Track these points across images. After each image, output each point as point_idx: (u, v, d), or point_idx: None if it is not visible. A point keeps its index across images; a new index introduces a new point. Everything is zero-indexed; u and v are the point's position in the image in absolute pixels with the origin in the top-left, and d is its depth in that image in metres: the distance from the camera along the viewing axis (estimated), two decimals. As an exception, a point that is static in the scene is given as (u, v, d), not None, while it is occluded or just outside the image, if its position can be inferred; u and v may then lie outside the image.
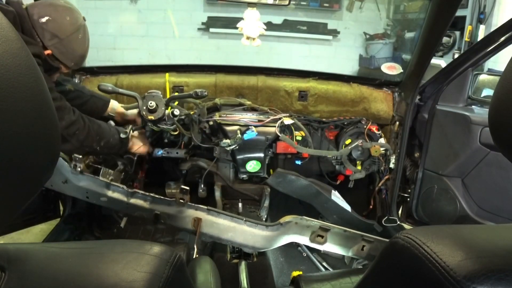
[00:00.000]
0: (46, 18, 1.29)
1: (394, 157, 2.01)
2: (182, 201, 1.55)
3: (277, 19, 4.59)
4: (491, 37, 1.61)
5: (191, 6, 4.58)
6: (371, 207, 2.16)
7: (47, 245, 0.57)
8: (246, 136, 1.81)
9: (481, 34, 3.77)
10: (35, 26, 1.27)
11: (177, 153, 1.86)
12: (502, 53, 1.71)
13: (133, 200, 1.57)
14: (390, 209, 2.05)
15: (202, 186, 1.95)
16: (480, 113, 1.77)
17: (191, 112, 1.79)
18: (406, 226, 2.08)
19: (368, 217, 2.11)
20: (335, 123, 2.03)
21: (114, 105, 1.79)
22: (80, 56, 1.44)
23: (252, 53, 4.14)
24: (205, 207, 1.57)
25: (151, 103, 1.57)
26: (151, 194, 1.58)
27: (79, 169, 1.53)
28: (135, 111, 1.78)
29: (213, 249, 1.78)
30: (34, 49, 1.25)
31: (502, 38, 1.57)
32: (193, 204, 1.57)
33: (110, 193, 1.58)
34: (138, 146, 1.73)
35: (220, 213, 1.55)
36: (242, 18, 1.53)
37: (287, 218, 1.55)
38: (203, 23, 4.60)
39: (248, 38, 1.56)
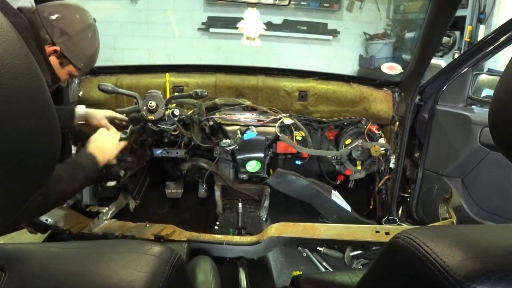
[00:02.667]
0: (56, 15, 1.29)
1: (394, 157, 2.01)
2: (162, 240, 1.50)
3: (277, 19, 4.58)
4: (491, 37, 1.61)
5: (191, 6, 4.57)
6: (371, 207, 2.16)
7: (47, 245, 0.57)
8: (246, 136, 1.81)
9: (481, 34, 3.77)
10: (44, 24, 1.27)
11: (177, 153, 1.86)
12: (502, 53, 1.71)
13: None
14: (390, 209, 2.05)
15: (203, 186, 1.95)
16: (480, 113, 1.77)
17: (190, 112, 1.79)
18: (406, 226, 2.08)
19: (368, 217, 2.11)
20: (335, 123, 2.03)
21: (80, 111, 1.58)
22: (89, 56, 1.41)
23: (252, 53, 4.14)
24: (185, 239, 1.51)
25: (151, 103, 1.57)
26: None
27: None
28: (102, 112, 1.61)
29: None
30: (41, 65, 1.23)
31: (502, 38, 1.57)
32: (173, 240, 1.51)
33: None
34: (107, 156, 1.41)
35: (200, 241, 1.52)
36: (242, 18, 1.53)
37: (270, 230, 1.49)
38: (203, 23, 4.60)
39: (248, 38, 1.56)
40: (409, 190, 2.04)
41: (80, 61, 1.38)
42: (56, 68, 1.35)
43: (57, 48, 1.31)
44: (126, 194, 1.90)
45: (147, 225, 1.62)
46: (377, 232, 1.41)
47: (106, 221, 1.67)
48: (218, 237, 1.54)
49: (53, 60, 1.33)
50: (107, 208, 1.71)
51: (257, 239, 1.50)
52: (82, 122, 1.59)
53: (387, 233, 1.39)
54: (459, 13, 3.64)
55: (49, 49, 1.30)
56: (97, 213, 1.69)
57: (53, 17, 1.28)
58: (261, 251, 1.52)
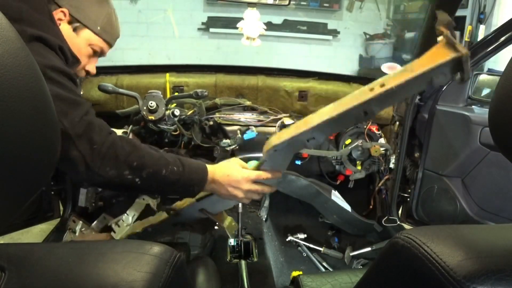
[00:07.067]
0: None
1: (394, 157, 2.01)
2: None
3: (277, 19, 4.60)
4: (491, 37, 1.61)
5: (191, 6, 4.59)
6: (371, 207, 2.16)
7: (47, 245, 0.58)
8: (246, 136, 1.81)
9: (481, 34, 3.77)
10: None
11: (177, 153, 1.86)
12: (502, 53, 1.71)
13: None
14: (390, 209, 2.05)
15: None
16: (480, 113, 1.76)
17: (191, 112, 1.79)
18: (406, 226, 2.08)
19: (368, 217, 2.11)
20: (335, 123, 2.03)
21: None
22: (104, 16, 1.22)
23: (252, 53, 4.15)
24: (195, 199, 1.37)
25: (151, 103, 1.57)
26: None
27: None
28: None
29: (213, 249, 1.79)
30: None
31: (502, 38, 1.57)
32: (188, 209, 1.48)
33: None
34: None
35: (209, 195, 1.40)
36: (242, 18, 1.53)
37: (266, 146, 1.16)
38: (203, 23, 4.61)
39: (248, 38, 1.56)
40: (409, 190, 2.04)
41: (94, 23, 1.20)
42: (71, 38, 1.17)
43: (64, 9, 1.15)
44: (142, 196, 1.89)
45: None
46: (372, 89, 0.99)
47: (127, 227, 1.66)
48: None
49: (64, 28, 1.16)
50: (126, 215, 1.70)
51: (260, 162, 1.27)
52: None
53: (382, 85, 1.08)
54: (459, 13, 3.64)
55: (56, 15, 1.14)
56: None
57: None
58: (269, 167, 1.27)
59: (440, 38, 0.93)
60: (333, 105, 1.08)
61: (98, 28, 1.21)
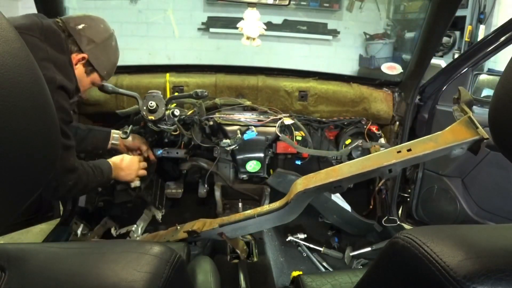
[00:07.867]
0: (83, 25, 1.35)
1: (394, 157, 2.01)
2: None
3: (277, 19, 4.59)
4: (491, 37, 1.61)
5: (191, 6, 4.58)
6: (371, 207, 2.16)
7: (47, 245, 0.58)
8: (246, 136, 1.81)
9: (481, 34, 3.77)
10: (72, 33, 1.33)
11: (177, 153, 1.86)
12: (502, 53, 1.71)
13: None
14: (390, 209, 2.05)
15: (205, 185, 1.95)
16: (480, 113, 1.77)
17: (190, 112, 1.79)
18: (406, 226, 2.08)
19: (368, 217, 2.11)
20: (335, 123, 2.03)
21: (115, 135, 1.72)
22: (112, 64, 1.47)
23: (252, 53, 4.14)
24: (217, 223, 1.52)
25: (151, 103, 1.57)
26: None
27: None
28: (136, 140, 1.75)
29: (213, 249, 1.79)
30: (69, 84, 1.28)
31: (502, 38, 1.58)
32: (208, 231, 1.54)
33: None
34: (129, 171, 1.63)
35: (232, 222, 1.50)
36: (242, 18, 1.53)
37: (295, 188, 1.36)
38: (203, 23, 4.61)
39: (248, 38, 1.56)
40: (409, 190, 2.04)
41: (104, 69, 1.43)
42: (81, 77, 1.39)
43: (85, 55, 1.35)
44: (149, 207, 1.91)
45: (178, 227, 1.61)
46: (399, 152, 1.22)
47: (138, 238, 1.68)
48: (247, 212, 1.50)
49: (79, 69, 1.37)
50: (135, 226, 1.72)
51: (285, 200, 1.40)
52: (115, 146, 1.71)
53: (409, 150, 1.21)
54: (459, 13, 3.64)
55: (76, 57, 1.35)
56: (127, 233, 1.71)
57: (80, 26, 1.35)
58: (294, 210, 1.42)
59: (462, 116, 1.16)
60: (361, 160, 1.25)
61: (105, 72, 1.45)
